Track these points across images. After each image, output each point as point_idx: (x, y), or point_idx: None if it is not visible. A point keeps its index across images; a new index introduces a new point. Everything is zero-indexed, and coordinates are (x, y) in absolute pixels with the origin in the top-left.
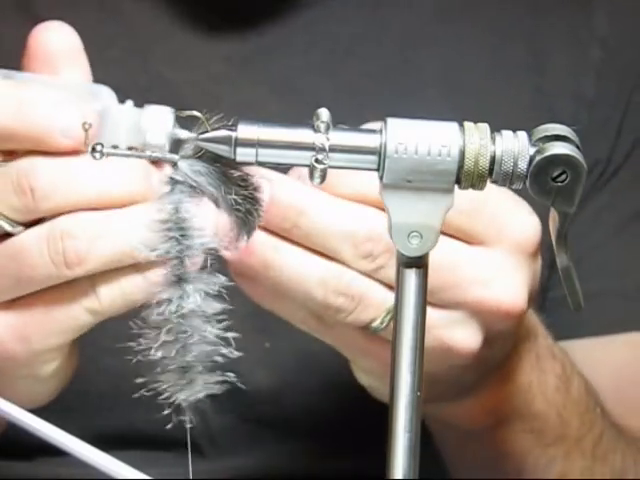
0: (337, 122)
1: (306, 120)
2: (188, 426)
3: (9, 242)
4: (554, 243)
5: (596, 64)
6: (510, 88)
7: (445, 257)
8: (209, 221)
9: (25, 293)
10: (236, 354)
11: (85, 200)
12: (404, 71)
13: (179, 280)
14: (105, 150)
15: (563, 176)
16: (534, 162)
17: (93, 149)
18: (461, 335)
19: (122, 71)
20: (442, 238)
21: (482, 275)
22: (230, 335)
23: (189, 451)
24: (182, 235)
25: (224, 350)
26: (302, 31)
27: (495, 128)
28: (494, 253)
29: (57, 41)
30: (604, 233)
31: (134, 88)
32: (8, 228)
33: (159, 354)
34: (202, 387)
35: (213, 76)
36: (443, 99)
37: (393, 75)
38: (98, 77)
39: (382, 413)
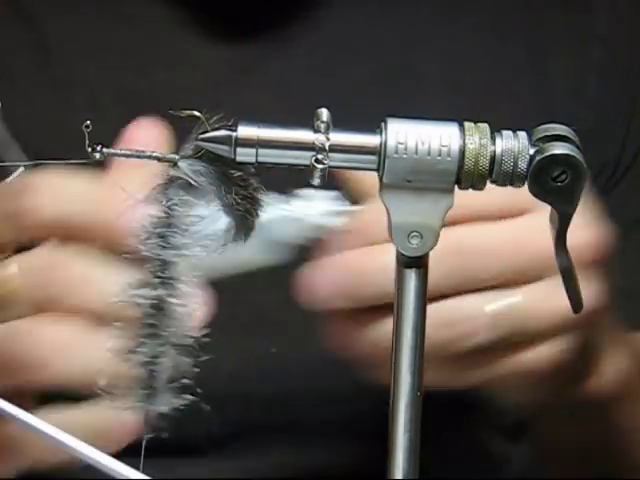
0: (339, 124)
1: (306, 122)
2: (144, 439)
3: None
4: (554, 244)
5: (598, 63)
6: (510, 88)
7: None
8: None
9: None
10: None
11: None
12: (405, 72)
13: (163, 283)
14: (105, 150)
15: (563, 176)
16: (534, 162)
17: (93, 149)
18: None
19: (122, 75)
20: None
21: None
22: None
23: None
24: (172, 235)
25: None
26: (302, 34)
27: (496, 128)
28: None
29: (149, 140)
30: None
31: (134, 93)
32: None
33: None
34: (165, 402)
35: (214, 80)
36: (444, 100)
37: (394, 77)
38: (98, 82)
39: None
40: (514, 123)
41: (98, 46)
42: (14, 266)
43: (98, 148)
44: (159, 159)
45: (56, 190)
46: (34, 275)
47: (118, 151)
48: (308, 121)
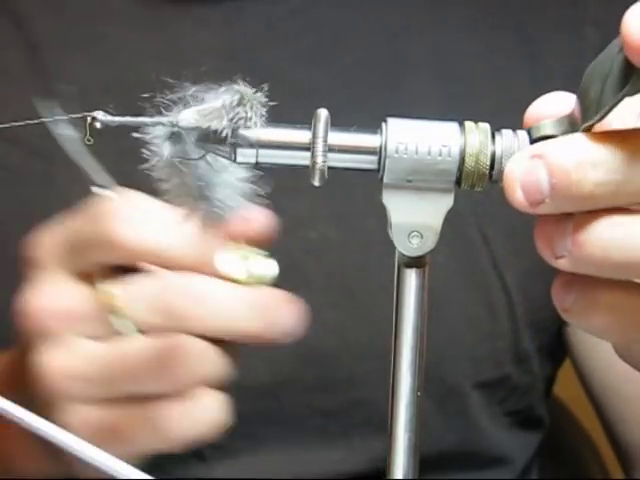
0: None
1: (296, 112)
2: None
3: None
4: None
5: (593, 44)
6: (503, 75)
7: None
8: None
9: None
10: None
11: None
12: (395, 59)
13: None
14: (102, 118)
15: None
16: None
17: (93, 118)
18: None
19: (109, 70)
20: None
21: None
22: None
23: None
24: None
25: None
26: (288, 20)
27: (489, 114)
28: None
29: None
30: None
31: (121, 87)
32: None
33: None
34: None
35: (200, 70)
36: (435, 87)
37: (384, 64)
38: (86, 76)
39: (383, 408)
40: (509, 109)
41: (83, 42)
42: (117, 288)
43: (99, 116)
44: (157, 124)
45: (144, 218)
46: (148, 302)
47: (116, 118)
48: (296, 109)
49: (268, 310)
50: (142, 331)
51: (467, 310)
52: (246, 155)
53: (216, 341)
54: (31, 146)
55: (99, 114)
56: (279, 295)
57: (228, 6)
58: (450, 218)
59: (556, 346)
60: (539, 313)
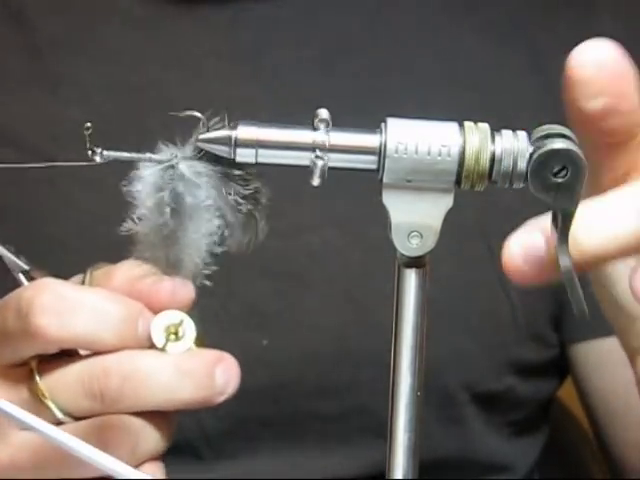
0: (335, 118)
1: (299, 116)
2: None
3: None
4: (557, 244)
5: None
6: (513, 87)
7: None
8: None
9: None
10: None
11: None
12: (402, 67)
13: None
14: (106, 153)
15: (563, 172)
16: (534, 157)
17: (93, 152)
18: None
19: (114, 71)
20: None
21: None
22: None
23: None
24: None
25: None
26: (293, 23)
27: (499, 126)
28: None
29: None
30: None
31: (126, 88)
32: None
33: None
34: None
35: (204, 73)
36: (441, 95)
37: (389, 69)
38: (90, 78)
39: (382, 415)
40: (518, 121)
41: (88, 44)
42: (46, 377)
43: (98, 151)
44: (158, 162)
45: (65, 306)
46: (79, 387)
47: (118, 154)
48: (299, 114)
49: (199, 374)
50: (78, 417)
51: (471, 321)
52: (246, 155)
53: (149, 413)
54: (31, 148)
55: (98, 150)
56: (208, 356)
57: (232, 8)
58: (455, 229)
59: (560, 363)
60: (540, 326)
